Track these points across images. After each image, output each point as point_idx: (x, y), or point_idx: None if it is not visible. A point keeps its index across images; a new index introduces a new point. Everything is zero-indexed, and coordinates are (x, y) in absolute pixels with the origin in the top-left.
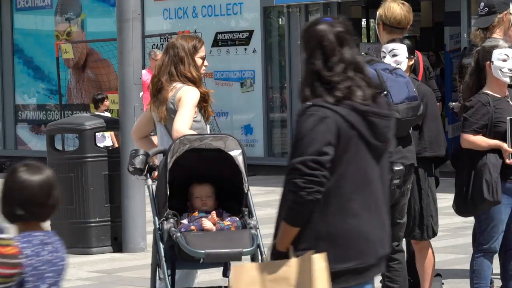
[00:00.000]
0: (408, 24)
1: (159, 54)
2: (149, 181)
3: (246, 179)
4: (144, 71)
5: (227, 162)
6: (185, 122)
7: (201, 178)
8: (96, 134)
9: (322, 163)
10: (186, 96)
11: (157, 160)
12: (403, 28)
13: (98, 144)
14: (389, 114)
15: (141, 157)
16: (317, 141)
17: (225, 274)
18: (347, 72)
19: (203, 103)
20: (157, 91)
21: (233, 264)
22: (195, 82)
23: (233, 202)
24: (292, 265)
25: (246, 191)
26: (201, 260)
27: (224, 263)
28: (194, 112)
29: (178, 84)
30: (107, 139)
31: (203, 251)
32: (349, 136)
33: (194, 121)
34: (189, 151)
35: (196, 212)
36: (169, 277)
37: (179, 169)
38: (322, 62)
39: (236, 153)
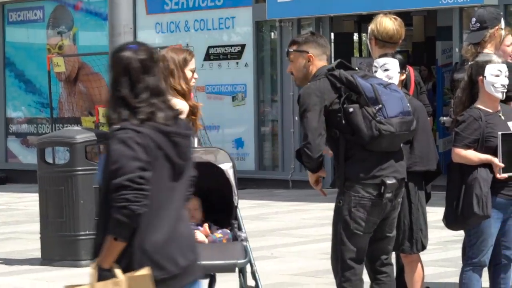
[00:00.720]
0: (400, 39)
1: None
2: None
3: (236, 192)
4: None
5: (216, 175)
6: None
7: None
8: None
9: (146, 178)
10: None
11: None
12: (395, 43)
13: None
14: (189, 133)
15: None
16: (135, 159)
17: (211, 286)
18: (150, 98)
19: (191, 116)
20: None
21: (66, 285)
22: (184, 95)
23: (220, 215)
24: (123, 284)
25: (236, 204)
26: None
27: (210, 276)
28: None
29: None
30: None
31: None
32: (156, 156)
33: None
34: None
35: None
36: None
37: None
38: (128, 89)
39: (227, 167)
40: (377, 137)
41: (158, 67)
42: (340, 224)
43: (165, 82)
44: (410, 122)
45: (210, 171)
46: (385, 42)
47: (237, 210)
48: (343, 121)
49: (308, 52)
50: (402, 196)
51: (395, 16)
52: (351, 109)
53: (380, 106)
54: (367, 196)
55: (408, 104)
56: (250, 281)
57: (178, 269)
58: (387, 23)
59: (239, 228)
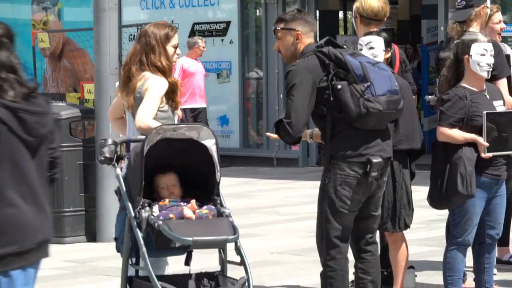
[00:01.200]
0: (385, 16)
1: (199, 40)
2: (118, 170)
3: (219, 168)
4: (185, 59)
5: (199, 151)
6: (148, 112)
7: (164, 168)
8: None
9: None
10: (153, 86)
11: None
12: (380, 20)
13: None
14: (43, 111)
15: (110, 146)
16: None
17: (187, 263)
18: (0, 73)
19: (171, 94)
20: (128, 79)
21: None
22: (164, 72)
23: (201, 191)
24: None
25: (218, 180)
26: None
27: (187, 252)
28: (161, 102)
29: (147, 74)
30: None
31: (191, 239)
32: (0, 130)
33: (160, 111)
34: (159, 141)
35: (167, 201)
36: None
37: (146, 159)
38: None
39: (210, 143)
40: (364, 114)
41: (13, 45)
42: (326, 202)
43: (146, 57)
44: (398, 101)
45: (192, 147)
46: (370, 19)
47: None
48: (331, 98)
49: (296, 30)
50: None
51: None
52: (339, 86)
53: (368, 83)
54: (352, 175)
55: (396, 83)
56: (232, 257)
57: (20, 247)
58: (372, 1)
59: (222, 204)
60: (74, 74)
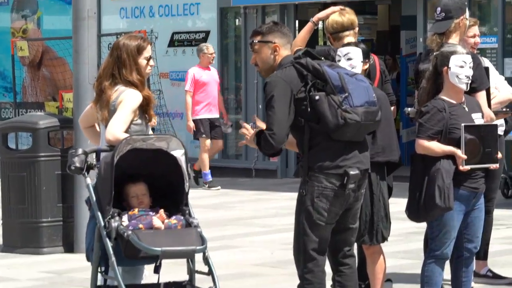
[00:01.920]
0: (352, 25)
1: (210, 47)
2: (88, 179)
3: (187, 178)
4: (195, 69)
5: (168, 161)
6: (118, 126)
7: (133, 178)
8: None
9: None
10: (126, 100)
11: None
12: (350, 30)
13: None
14: None
15: (80, 156)
16: None
17: (157, 270)
18: None
19: (145, 107)
20: (101, 92)
21: None
22: (136, 86)
23: (169, 201)
24: None
25: (187, 191)
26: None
27: (156, 261)
28: (135, 115)
29: (121, 87)
30: None
31: (159, 249)
32: None
33: (134, 124)
34: (128, 151)
35: (136, 210)
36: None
37: (115, 168)
38: None
39: (179, 154)
40: (342, 125)
41: None
42: (303, 214)
43: (118, 71)
44: (375, 112)
45: (161, 157)
46: (338, 33)
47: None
48: (309, 109)
49: (273, 42)
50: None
51: (345, 8)
52: (317, 97)
53: (346, 94)
54: (330, 187)
55: (374, 95)
56: (200, 267)
57: None
58: (333, 17)
59: (190, 215)
60: (53, 83)
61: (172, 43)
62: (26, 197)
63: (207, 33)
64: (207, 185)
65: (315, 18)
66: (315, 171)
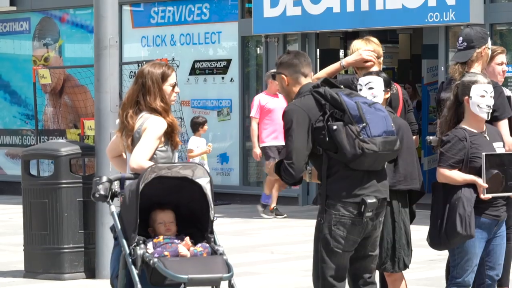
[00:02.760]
0: (377, 55)
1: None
2: (113, 207)
3: (212, 206)
4: (262, 95)
5: (193, 190)
6: (142, 154)
7: (161, 205)
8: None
9: None
10: (150, 127)
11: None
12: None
13: None
14: None
15: (104, 183)
16: None
17: None
18: None
19: (170, 133)
20: (126, 120)
21: None
22: (160, 113)
23: (194, 229)
24: None
25: (212, 218)
26: (182, 286)
27: None
28: (160, 142)
29: (145, 114)
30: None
31: (186, 276)
32: None
33: (160, 151)
34: (154, 179)
35: (161, 238)
36: None
37: (140, 196)
38: None
39: (204, 182)
40: (360, 155)
41: None
42: (321, 242)
43: (143, 99)
44: (394, 141)
45: (187, 185)
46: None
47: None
48: (327, 139)
49: (281, 74)
50: (385, 215)
51: (370, 37)
52: (335, 127)
53: (364, 124)
54: (347, 215)
55: (392, 124)
56: None
57: None
58: (359, 45)
59: (215, 242)
60: (74, 111)
61: (193, 72)
62: (47, 223)
63: (229, 61)
64: (272, 212)
65: (345, 63)
66: (333, 199)
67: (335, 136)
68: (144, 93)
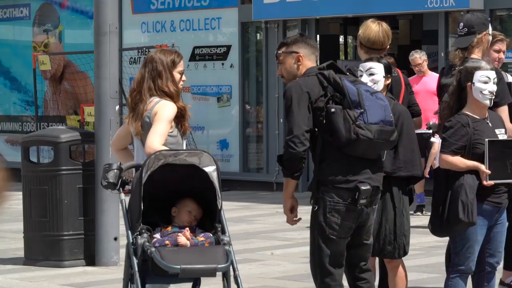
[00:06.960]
0: (383, 45)
1: (415, 53)
2: (122, 195)
3: (220, 195)
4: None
5: (200, 177)
6: (158, 138)
7: (180, 193)
8: None
9: None
10: (162, 111)
11: (133, 175)
12: (379, 49)
13: None
14: None
15: (114, 171)
16: None
17: None
18: None
19: (180, 118)
20: (135, 105)
21: None
22: (172, 97)
23: (205, 218)
24: None
25: (219, 207)
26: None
27: (194, 278)
28: (171, 127)
29: (155, 98)
30: None
31: (178, 267)
32: None
33: (170, 135)
34: (162, 166)
35: (170, 227)
36: None
37: (151, 184)
38: None
39: (210, 169)
40: (353, 140)
41: None
42: (316, 229)
43: (154, 83)
44: (390, 132)
45: (194, 173)
46: (368, 48)
47: (221, 213)
48: (324, 121)
49: (297, 52)
50: (385, 202)
51: (382, 22)
52: (333, 109)
53: (362, 110)
54: (341, 202)
55: (391, 115)
56: (234, 285)
57: None
58: (371, 29)
59: (223, 232)
60: (74, 97)
61: (193, 58)
62: (47, 210)
63: (229, 47)
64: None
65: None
66: (325, 185)
67: (332, 119)
68: (154, 77)
